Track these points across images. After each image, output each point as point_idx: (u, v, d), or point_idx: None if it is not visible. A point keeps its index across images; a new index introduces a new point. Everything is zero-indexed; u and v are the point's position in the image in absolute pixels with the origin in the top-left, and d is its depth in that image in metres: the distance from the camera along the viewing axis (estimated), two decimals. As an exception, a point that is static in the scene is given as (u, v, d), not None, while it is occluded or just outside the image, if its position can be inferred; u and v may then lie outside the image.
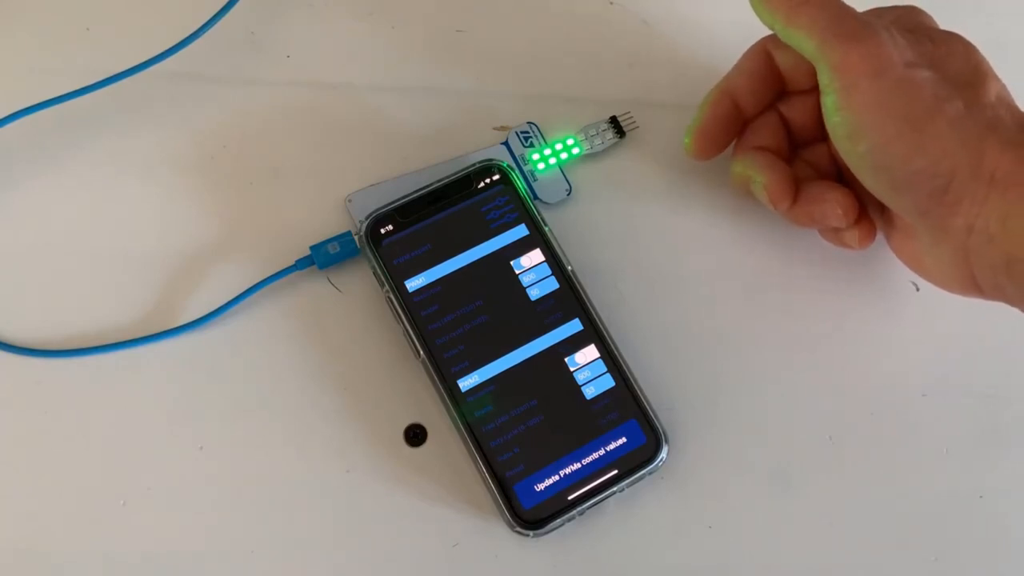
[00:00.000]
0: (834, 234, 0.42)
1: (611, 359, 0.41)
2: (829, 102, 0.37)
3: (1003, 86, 0.38)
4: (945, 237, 0.37)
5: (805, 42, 0.38)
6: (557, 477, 0.40)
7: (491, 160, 0.43)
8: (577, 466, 0.40)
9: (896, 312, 0.44)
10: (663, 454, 0.40)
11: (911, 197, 0.37)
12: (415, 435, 0.42)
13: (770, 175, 0.41)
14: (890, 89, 0.36)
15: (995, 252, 0.35)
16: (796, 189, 0.41)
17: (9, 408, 0.42)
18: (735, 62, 0.43)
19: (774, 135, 0.43)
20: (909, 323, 0.44)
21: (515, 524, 0.39)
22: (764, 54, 0.42)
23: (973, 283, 0.37)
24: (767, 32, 0.40)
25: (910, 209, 0.37)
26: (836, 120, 0.37)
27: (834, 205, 0.40)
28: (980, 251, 0.36)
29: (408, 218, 0.42)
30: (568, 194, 0.45)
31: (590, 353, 0.41)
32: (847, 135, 0.37)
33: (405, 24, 0.47)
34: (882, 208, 0.41)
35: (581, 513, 0.40)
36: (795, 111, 0.42)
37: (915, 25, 0.39)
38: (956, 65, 0.37)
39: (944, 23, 0.40)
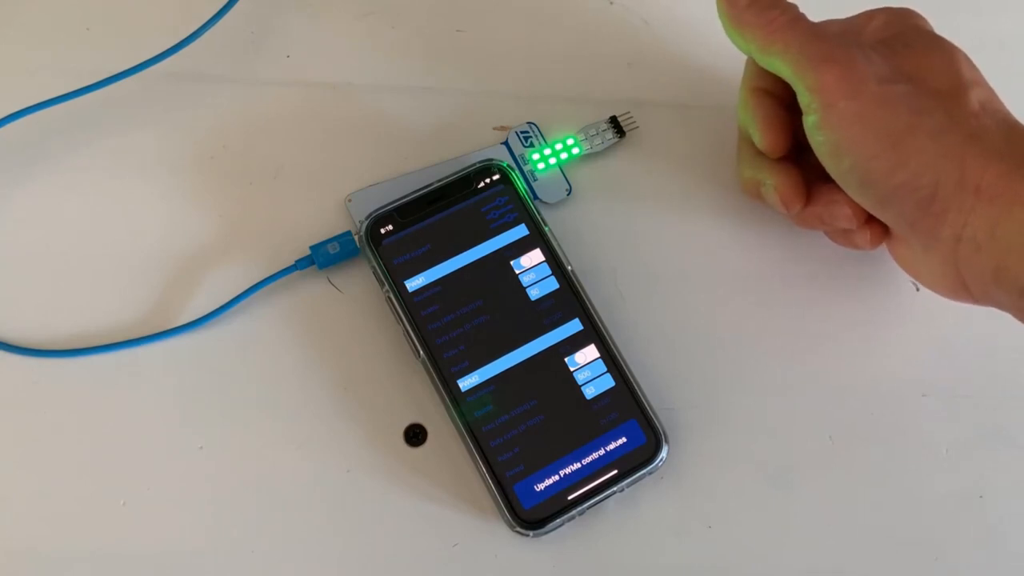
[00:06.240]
0: (843, 235, 0.42)
1: (611, 359, 0.41)
2: (810, 122, 0.38)
3: (989, 92, 0.38)
4: (935, 246, 0.37)
5: (782, 67, 0.38)
6: (557, 477, 0.40)
7: (491, 160, 0.43)
8: (577, 466, 0.40)
9: (896, 312, 0.44)
10: (663, 454, 0.40)
11: (898, 209, 0.37)
12: (415, 435, 0.42)
13: (781, 177, 0.41)
14: (866, 107, 0.36)
15: (984, 261, 0.36)
16: (807, 191, 0.41)
17: (9, 408, 0.42)
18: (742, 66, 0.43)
19: None
20: (909, 323, 0.44)
21: (515, 524, 0.39)
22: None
23: (965, 289, 0.37)
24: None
25: (899, 221, 0.38)
26: (819, 139, 0.38)
27: (843, 206, 0.40)
28: (969, 260, 0.36)
29: (408, 218, 0.42)
30: (568, 194, 0.45)
31: (590, 353, 0.41)
32: (829, 153, 0.38)
33: (405, 24, 0.47)
34: None
35: (581, 513, 0.40)
36: (796, 114, 0.42)
37: (905, 28, 0.39)
38: (936, 75, 0.37)
39: (943, 23, 0.40)
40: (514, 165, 0.44)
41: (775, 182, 0.41)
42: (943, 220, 0.36)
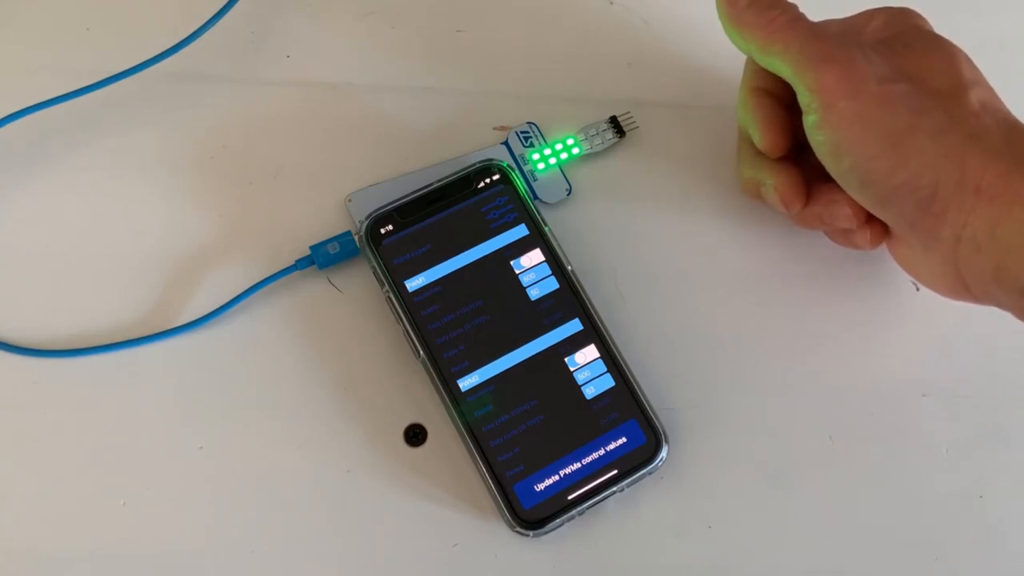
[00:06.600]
0: (843, 235, 0.42)
1: (611, 359, 0.41)
2: (810, 122, 0.38)
3: (989, 92, 0.38)
4: (935, 245, 0.37)
5: (781, 67, 0.38)
6: (557, 477, 0.40)
7: (491, 160, 0.43)
8: (577, 466, 0.40)
9: (896, 312, 0.44)
10: (663, 454, 0.40)
11: (898, 209, 0.37)
12: (415, 435, 0.42)
13: (781, 177, 0.41)
14: (866, 107, 0.36)
15: (983, 261, 0.36)
16: (807, 191, 0.41)
17: (9, 408, 0.42)
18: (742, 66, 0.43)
19: None
20: (909, 323, 0.44)
21: (515, 524, 0.39)
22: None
23: (965, 289, 0.37)
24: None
25: (899, 220, 0.38)
26: (819, 139, 0.38)
27: (843, 206, 0.40)
28: (969, 259, 0.36)
29: (408, 218, 0.42)
30: (568, 194, 0.45)
31: (590, 353, 0.41)
32: (829, 153, 0.38)
33: (405, 24, 0.47)
34: None
35: (581, 513, 0.40)
36: (796, 114, 0.42)
37: (905, 28, 0.39)
38: (936, 75, 0.37)
39: (943, 23, 0.40)
40: (514, 165, 0.44)
41: (775, 182, 0.41)
42: (943, 220, 0.36)
